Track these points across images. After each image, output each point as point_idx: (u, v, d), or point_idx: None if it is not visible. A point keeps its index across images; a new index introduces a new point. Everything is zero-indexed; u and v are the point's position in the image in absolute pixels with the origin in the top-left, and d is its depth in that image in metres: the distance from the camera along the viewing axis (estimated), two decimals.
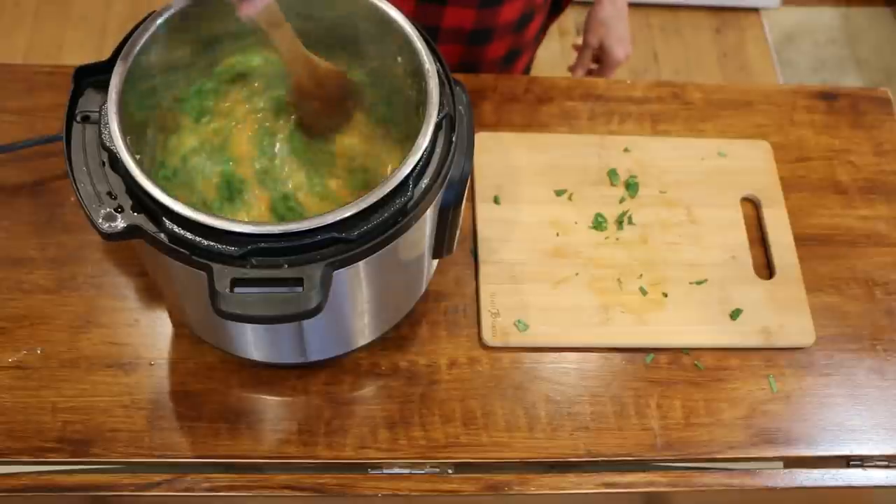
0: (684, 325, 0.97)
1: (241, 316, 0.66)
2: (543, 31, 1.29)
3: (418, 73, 0.78)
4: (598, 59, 1.26)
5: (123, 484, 0.83)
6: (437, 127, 0.74)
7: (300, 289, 0.67)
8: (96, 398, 0.88)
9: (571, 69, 1.29)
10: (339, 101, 0.87)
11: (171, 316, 0.93)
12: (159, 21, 0.76)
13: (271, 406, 0.90)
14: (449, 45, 1.16)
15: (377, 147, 0.88)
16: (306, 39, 0.87)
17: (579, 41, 1.27)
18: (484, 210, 1.03)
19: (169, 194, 0.68)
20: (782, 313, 0.99)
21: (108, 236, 0.69)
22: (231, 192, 0.84)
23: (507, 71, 1.25)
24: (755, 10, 2.55)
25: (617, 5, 1.21)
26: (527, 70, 1.33)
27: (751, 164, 1.10)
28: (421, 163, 0.73)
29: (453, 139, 0.76)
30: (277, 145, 0.87)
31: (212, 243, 0.68)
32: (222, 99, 0.88)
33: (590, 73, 1.28)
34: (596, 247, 1.02)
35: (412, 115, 0.81)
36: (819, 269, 1.03)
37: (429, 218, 0.78)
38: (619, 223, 1.03)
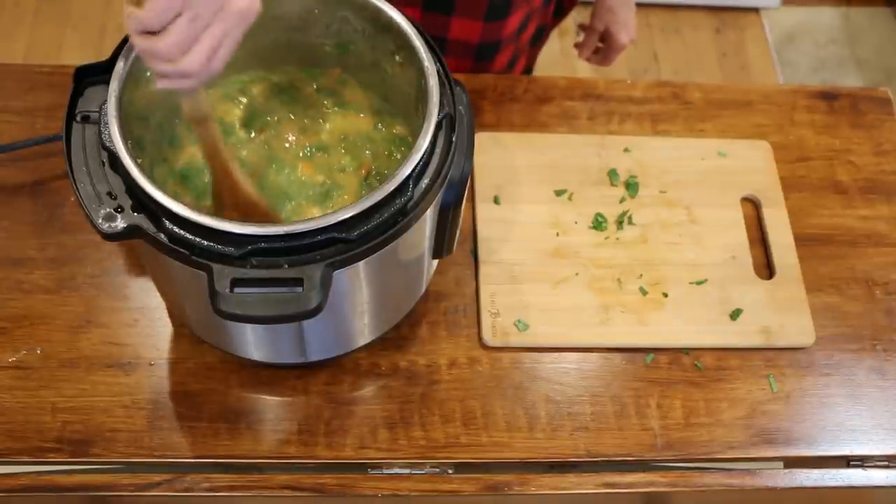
0: (684, 325, 0.97)
1: (241, 316, 0.66)
2: (545, 34, 1.29)
3: (418, 73, 0.78)
4: (603, 40, 1.27)
5: (123, 484, 0.83)
6: (437, 127, 0.74)
7: (300, 289, 0.67)
8: (96, 398, 0.88)
9: (577, 47, 1.30)
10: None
11: (171, 316, 0.93)
12: None
13: (271, 406, 0.90)
14: (456, 59, 1.16)
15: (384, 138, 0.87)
16: (306, 39, 0.87)
17: (585, 22, 1.29)
18: (484, 210, 1.03)
19: (169, 194, 0.68)
20: (782, 313, 0.99)
21: (108, 236, 0.69)
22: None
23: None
24: (755, 9, 2.55)
25: None
26: (527, 72, 1.33)
27: (751, 164, 1.10)
28: (421, 163, 0.73)
29: (453, 139, 0.76)
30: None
31: (211, 243, 0.68)
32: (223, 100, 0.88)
33: (595, 52, 1.29)
34: (596, 247, 1.02)
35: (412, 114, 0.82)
36: (819, 269, 1.03)
37: (429, 218, 0.78)
38: (619, 223, 1.03)
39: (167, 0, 0.60)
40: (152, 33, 0.61)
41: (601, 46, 1.28)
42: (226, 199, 0.79)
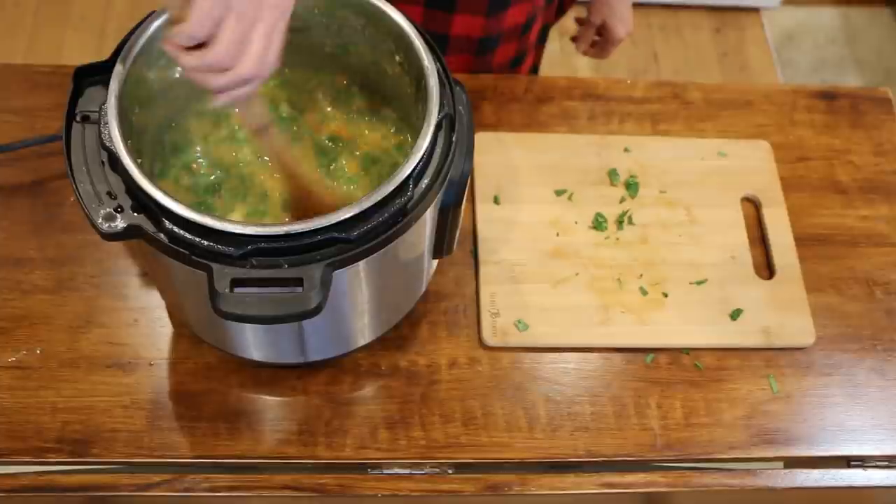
0: (684, 325, 0.97)
1: (241, 316, 0.66)
2: (546, 33, 1.29)
3: (418, 73, 0.78)
4: (600, 34, 1.28)
5: (123, 484, 0.83)
6: (437, 127, 0.74)
7: (300, 289, 0.67)
8: (96, 398, 0.88)
9: (574, 40, 1.30)
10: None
11: (171, 316, 0.93)
12: (159, 21, 0.76)
13: (271, 406, 0.90)
14: (458, 55, 1.16)
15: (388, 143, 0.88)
16: (307, 40, 0.87)
17: (582, 16, 1.29)
18: (484, 210, 1.03)
19: (168, 194, 0.68)
20: (782, 313, 0.99)
21: (108, 236, 0.69)
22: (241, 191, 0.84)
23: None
24: (755, 9, 2.54)
25: None
26: (532, 71, 1.33)
27: (751, 164, 1.10)
28: (421, 163, 0.73)
29: (453, 139, 0.76)
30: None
31: (211, 243, 0.68)
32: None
33: (592, 45, 1.29)
34: (596, 247, 1.02)
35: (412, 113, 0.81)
36: (819, 269, 1.03)
37: (429, 218, 0.78)
38: (619, 223, 1.03)
39: (210, 3, 0.58)
40: (199, 47, 0.60)
41: (598, 40, 1.29)
42: (305, 203, 0.78)
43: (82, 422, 0.86)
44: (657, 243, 1.03)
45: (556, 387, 0.93)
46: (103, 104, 0.72)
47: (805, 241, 1.05)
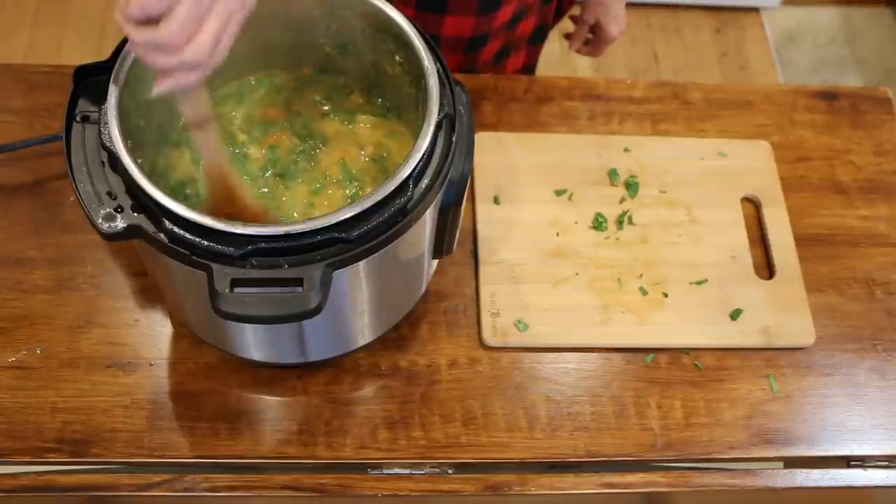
0: (684, 325, 0.97)
1: (241, 316, 0.66)
2: (544, 33, 1.29)
3: (418, 73, 0.78)
4: (593, 32, 1.28)
5: (123, 484, 0.83)
6: (437, 127, 0.74)
7: (300, 289, 0.67)
8: (96, 398, 0.88)
9: (567, 38, 1.31)
10: None
11: (171, 316, 0.93)
12: None
13: (271, 406, 0.90)
14: (448, 55, 1.16)
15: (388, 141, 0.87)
16: (306, 40, 0.87)
17: (576, 14, 1.29)
18: (484, 210, 1.03)
19: (168, 194, 0.68)
20: (782, 313, 0.99)
21: (108, 236, 0.69)
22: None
23: (499, 70, 1.25)
24: (755, 9, 2.55)
25: None
26: (528, 71, 1.33)
27: (751, 164, 1.10)
28: (421, 163, 0.73)
29: (453, 139, 0.76)
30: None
31: (211, 244, 0.68)
32: (221, 101, 0.88)
33: (585, 43, 1.30)
34: (596, 247, 1.02)
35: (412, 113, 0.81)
36: (819, 269, 1.03)
37: (429, 218, 0.78)
38: (619, 223, 1.03)
39: None
40: (149, 24, 0.57)
41: (591, 38, 1.29)
42: (222, 210, 0.77)
43: (82, 422, 0.86)
44: (657, 243, 1.03)
45: (556, 387, 0.93)
46: (103, 104, 0.72)
47: (805, 241, 1.05)
